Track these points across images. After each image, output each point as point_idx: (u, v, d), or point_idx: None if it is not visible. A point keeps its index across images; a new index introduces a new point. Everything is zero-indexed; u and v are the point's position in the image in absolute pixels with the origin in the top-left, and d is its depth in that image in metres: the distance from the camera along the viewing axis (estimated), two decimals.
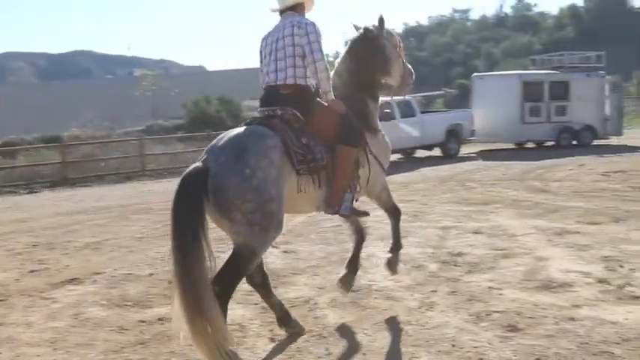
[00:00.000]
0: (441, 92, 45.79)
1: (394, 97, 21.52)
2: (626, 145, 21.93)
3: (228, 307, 4.10)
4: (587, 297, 5.26)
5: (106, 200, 14.93)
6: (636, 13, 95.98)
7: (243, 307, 5.47)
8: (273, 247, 4.93)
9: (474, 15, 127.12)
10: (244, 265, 4.13)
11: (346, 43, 5.36)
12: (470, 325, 4.79)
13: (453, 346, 4.39)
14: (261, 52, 4.85)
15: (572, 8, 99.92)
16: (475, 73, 28.09)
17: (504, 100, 23.01)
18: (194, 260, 3.86)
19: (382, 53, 5.28)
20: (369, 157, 4.94)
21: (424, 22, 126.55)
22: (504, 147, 23.98)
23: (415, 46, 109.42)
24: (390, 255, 5.57)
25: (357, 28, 5.31)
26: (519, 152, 22.63)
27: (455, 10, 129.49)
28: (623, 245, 6.93)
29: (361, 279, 6.14)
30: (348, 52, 5.24)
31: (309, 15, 4.92)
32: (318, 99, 4.72)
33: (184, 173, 4.11)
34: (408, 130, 19.65)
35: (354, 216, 5.00)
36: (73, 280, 6.73)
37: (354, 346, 4.51)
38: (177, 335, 4.01)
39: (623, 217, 8.53)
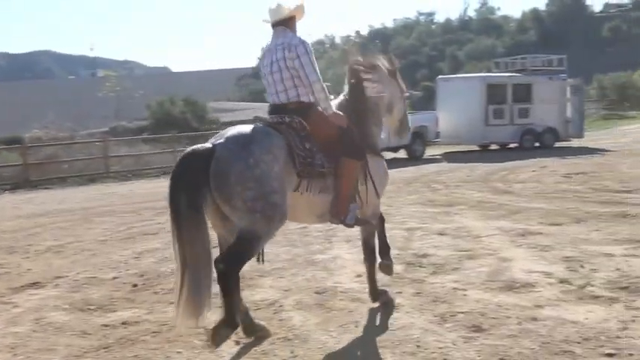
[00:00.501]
0: (406, 94, 46.07)
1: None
2: (587, 147, 22.31)
3: None
4: (549, 297, 5.34)
5: (69, 203, 14.73)
6: (596, 17, 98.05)
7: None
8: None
9: (439, 18, 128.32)
10: (249, 247, 4.29)
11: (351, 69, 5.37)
12: (434, 325, 4.82)
13: (418, 347, 4.42)
14: (260, 70, 5.06)
15: (535, 12, 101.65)
16: (440, 76, 28.37)
17: (468, 103, 23.28)
18: (193, 233, 4.07)
19: (386, 93, 5.51)
20: (366, 178, 5.03)
21: (389, 24, 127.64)
22: (469, 149, 24.25)
23: (381, 48, 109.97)
24: (377, 304, 5.34)
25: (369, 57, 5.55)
26: (483, 154, 22.90)
27: (420, 13, 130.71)
28: (583, 246, 7.04)
29: (327, 281, 6.16)
30: (354, 85, 5.31)
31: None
32: (321, 111, 4.84)
33: (189, 149, 4.27)
34: None
35: (358, 225, 5.11)
36: (34, 285, 6.62)
37: (319, 349, 4.50)
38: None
39: (584, 218, 8.67)
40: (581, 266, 6.21)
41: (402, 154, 21.74)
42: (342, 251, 7.35)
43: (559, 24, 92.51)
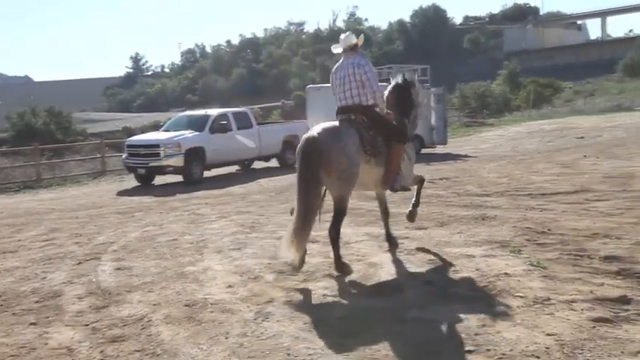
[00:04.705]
0: (279, 103, 46.40)
1: (231, 109, 21.54)
2: (450, 154, 23.28)
3: (57, 329, 5.20)
4: (414, 299, 5.53)
5: None
6: (457, 29, 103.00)
7: (72, 329, 5.23)
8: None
9: (309, 28, 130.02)
10: (341, 209, 6.45)
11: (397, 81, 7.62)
12: (305, 333, 4.87)
13: (288, 355, 4.44)
14: (332, 82, 7.15)
15: (401, 23, 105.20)
16: (310, 85, 28.70)
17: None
18: (314, 197, 6.33)
19: (414, 98, 7.69)
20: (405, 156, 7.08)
21: (260, 34, 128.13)
22: None
23: (252, 57, 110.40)
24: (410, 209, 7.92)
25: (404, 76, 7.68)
26: None
27: (290, 23, 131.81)
28: (447, 248, 7.31)
29: (197, 293, 6.07)
30: (395, 88, 7.51)
31: None
32: (376, 110, 6.87)
33: (305, 138, 6.41)
34: (244, 141, 19.68)
35: (401, 190, 7.27)
36: None
37: None
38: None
39: (447, 222, 9.03)
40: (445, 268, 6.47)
41: (273, 163, 21.83)
42: (213, 262, 7.27)
43: (423, 35, 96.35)
